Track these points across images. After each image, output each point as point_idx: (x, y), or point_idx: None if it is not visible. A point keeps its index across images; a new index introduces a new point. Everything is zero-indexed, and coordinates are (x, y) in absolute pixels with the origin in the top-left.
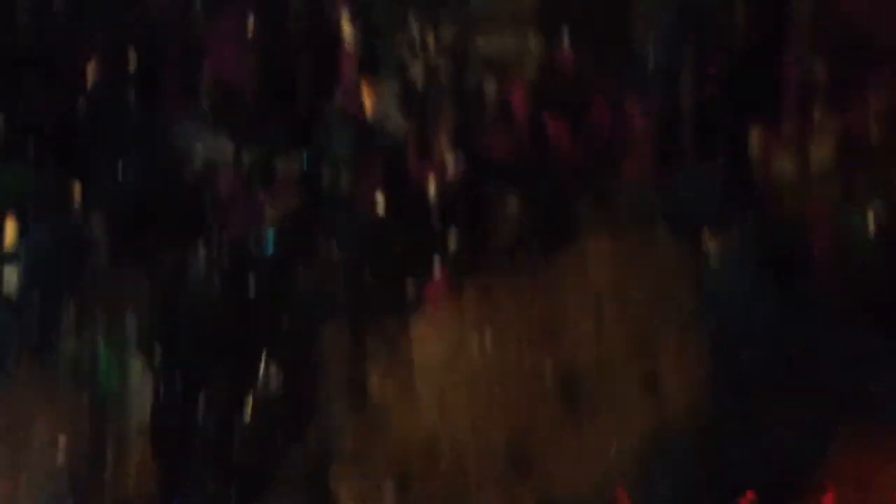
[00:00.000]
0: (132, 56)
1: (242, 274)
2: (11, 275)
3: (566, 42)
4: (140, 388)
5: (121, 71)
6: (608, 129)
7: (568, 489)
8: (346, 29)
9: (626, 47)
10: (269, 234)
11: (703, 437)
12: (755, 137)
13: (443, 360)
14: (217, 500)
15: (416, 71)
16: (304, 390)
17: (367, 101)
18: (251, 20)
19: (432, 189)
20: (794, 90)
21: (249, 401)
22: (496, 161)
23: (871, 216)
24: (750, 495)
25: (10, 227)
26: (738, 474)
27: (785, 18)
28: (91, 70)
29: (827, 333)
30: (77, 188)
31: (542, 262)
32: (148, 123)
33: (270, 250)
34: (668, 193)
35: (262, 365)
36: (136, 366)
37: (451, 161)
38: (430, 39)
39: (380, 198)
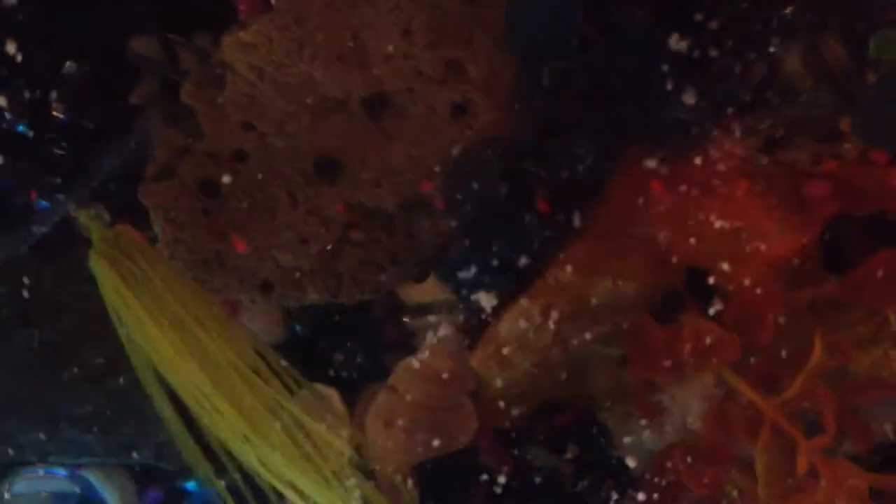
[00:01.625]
0: None
1: None
2: None
3: None
4: None
5: None
6: None
7: (375, 193)
8: None
9: None
10: None
11: (508, 151)
12: None
13: (253, 72)
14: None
15: None
16: (114, 96)
17: None
18: None
19: None
20: None
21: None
22: None
23: None
24: (542, 202)
25: None
26: (532, 185)
27: None
28: None
29: (636, 60)
30: None
31: None
32: None
33: None
34: None
35: (70, 66)
36: None
37: None
38: None
39: None
